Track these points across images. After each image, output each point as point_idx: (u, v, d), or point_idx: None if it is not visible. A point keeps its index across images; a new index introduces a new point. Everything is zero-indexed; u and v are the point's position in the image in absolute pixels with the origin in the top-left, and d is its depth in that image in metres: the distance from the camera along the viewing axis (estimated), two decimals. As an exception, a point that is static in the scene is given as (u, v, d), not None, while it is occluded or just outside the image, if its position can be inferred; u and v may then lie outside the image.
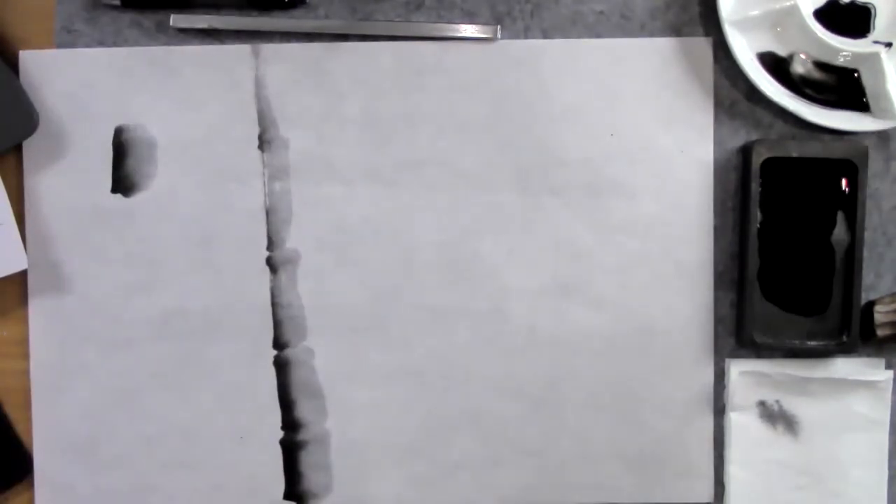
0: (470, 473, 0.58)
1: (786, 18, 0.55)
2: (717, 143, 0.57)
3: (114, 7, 0.57)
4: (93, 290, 0.57)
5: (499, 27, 0.56)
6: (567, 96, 0.57)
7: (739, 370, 0.57)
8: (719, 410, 0.58)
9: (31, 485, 0.57)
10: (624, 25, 0.57)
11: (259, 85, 0.57)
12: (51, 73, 0.57)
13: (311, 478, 0.58)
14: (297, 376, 0.57)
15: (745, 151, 0.56)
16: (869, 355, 0.58)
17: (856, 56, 0.55)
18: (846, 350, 0.56)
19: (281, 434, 0.58)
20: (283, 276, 0.57)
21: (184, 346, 0.57)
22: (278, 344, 0.57)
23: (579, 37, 0.57)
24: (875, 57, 0.55)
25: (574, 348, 0.57)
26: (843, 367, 0.57)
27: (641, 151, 0.57)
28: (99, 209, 0.57)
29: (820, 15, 0.55)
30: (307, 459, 0.58)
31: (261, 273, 0.57)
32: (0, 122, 0.54)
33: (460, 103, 0.57)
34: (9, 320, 0.57)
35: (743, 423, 0.57)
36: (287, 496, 0.58)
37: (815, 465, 0.58)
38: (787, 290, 0.56)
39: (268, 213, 0.57)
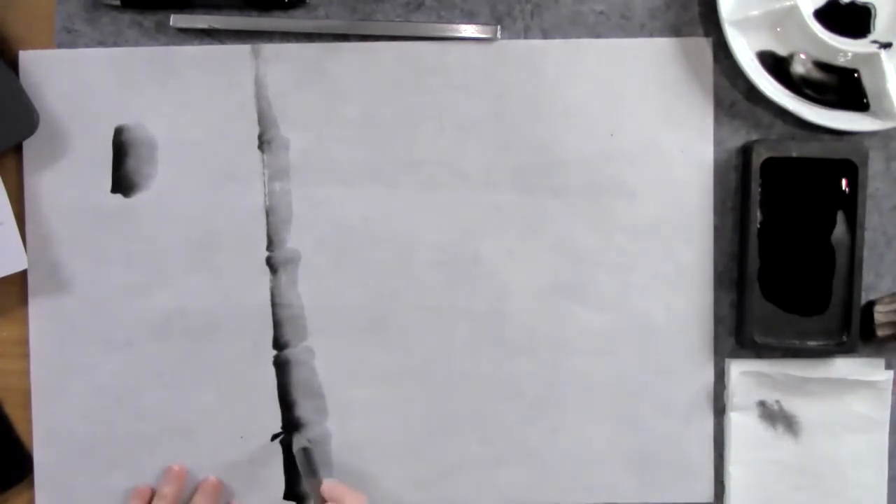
0: (470, 473, 0.58)
1: (786, 18, 0.55)
2: (717, 143, 0.57)
3: (114, 7, 0.57)
4: (93, 290, 0.57)
5: (499, 27, 0.56)
6: (567, 96, 0.57)
7: (739, 370, 0.57)
8: (719, 410, 0.58)
9: (31, 485, 0.57)
10: (624, 25, 0.57)
11: (259, 85, 0.57)
12: (51, 73, 0.57)
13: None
14: (297, 376, 0.57)
15: (745, 151, 0.56)
16: (869, 355, 0.58)
17: (856, 56, 0.55)
18: (846, 350, 0.56)
19: (281, 434, 0.58)
20: (283, 276, 0.57)
21: (184, 346, 0.57)
22: (278, 344, 0.57)
23: (579, 37, 0.57)
24: (875, 57, 0.55)
25: (574, 348, 0.57)
26: (843, 367, 0.57)
27: (641, 151, 0.57)
28: (99, 209, 0.57)
29: (820, 15, 0.55)
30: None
31: (261, 273, 0.57)
32: (0, 122, 0.54)
33: (460, 103, 0.57)
34: (9, 320, 0.57)
35: (743, 423, 0.57)
36: (287, 496, 0.58)
37: (815, 465, 0.58)
38: (787, 290, 0.56)
39: (268, 213, 0.57)
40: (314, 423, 0.58)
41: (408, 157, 0.57)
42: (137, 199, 0.57)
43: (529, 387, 0.57)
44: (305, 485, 0.56)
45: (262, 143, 0.57)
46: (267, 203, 0.57)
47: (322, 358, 0.58)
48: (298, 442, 0.57)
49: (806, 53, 0.56)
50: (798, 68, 0.56)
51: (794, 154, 0.55)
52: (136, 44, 0.57)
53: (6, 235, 0.55)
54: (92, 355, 0.57)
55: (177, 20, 0.56)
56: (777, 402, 0.58)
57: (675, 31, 0.57)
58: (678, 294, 0.57)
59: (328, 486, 0.52)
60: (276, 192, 0.57)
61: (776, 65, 0.56)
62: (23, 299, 0.57)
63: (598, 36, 0.57)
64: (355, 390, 0.58)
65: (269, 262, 0.57)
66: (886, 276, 0.58)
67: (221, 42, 0.57)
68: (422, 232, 0.57)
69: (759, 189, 0.56)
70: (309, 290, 0.57)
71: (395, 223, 0.57)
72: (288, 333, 0.57)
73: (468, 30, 0.56)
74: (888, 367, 0.57)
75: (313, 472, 0.55)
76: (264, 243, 0.57)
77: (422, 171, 0.57)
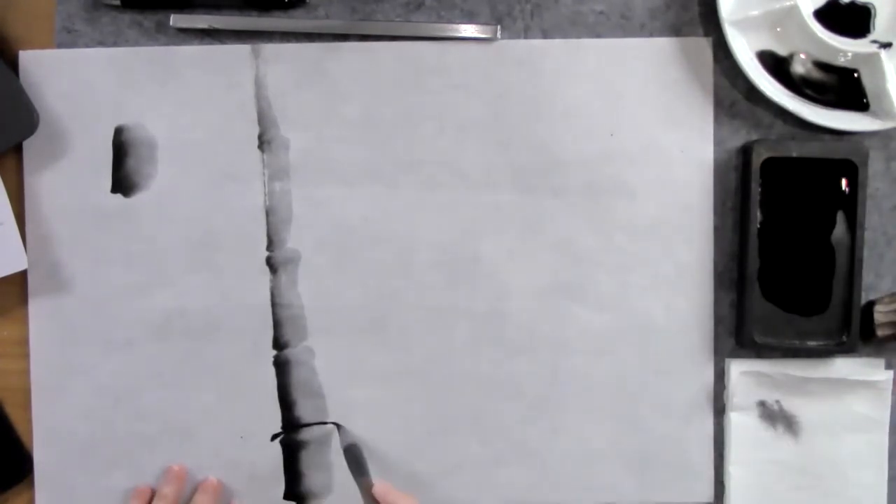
0: (470, 473, 0.58)
1: (786, 18, 0.55)
2: (717, 143, 0.57)
3: (114, 7, 0.57)
4: (93, 290, 0.57)
5: (499, 27, 0.57)
6: (567, 96, 0.57)
7: (739, 370, 0.57)
8: (719, 410, 0.58)
9: (31, 485, 0.57)
10: (624, 25, 0.57)
11: (259, 85, 0.57)
12: (51, 73, 0.57)
13: (311, 478, 0.58)
14: (297, 376, 0.57)
15: (745, 151, 0.56)
16: (869, 355, 0.58)
17: (856, 56, 0.55)
18: (846, 350, 0.56)
19: (281, 434, 0.58)
20: (283, 276, 0.57)
21: (184, 346, 0.57)
22: (278, 344, 0.57)
23: (579, 37, 0.57)
24: (875, 57, 0.55)
25: (574, 348, 0.57)
26: (843, 367, 0.57)
27: (641, 151, 0.57)
28: (99, 209, 0.57)
29: (820, 15, 0.55)
30: (307, 459, 0.58)
31: (261, 273, 0.57)
32: (0, 122, 0.54)
33: (460, 103, 0.57)
34: (9, 320, 0.57)
35: (743, 423, 0.57)
36: (287, 496, 0.58)
37: (815, 465, 0.58)
38: (787, 290, 0.56)
39: (268, 213, 0.57)
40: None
41: (408, 157, 0.57)
42: (137, 199, 0.57)
43: (529, 387, 0.57)
44: (356, 483, 0.56)
45: (262, 143, 0.57)
46: (267, 203, 0.57)
47: (322, 358, 0.58)
48: (344, 439, 0.56)
49: (806, 53, 0.56)
50: (798, 68, 0.56)
51: (794, 154, 0.55)
52: (136, 44, 0.57)
53: (6, 235, 0.55)
54: (92, 355, 0.57)
55: (177, 20, 0.56)
56: (777, 402, 0.58)
57: (675, 31, 0.57)
58: (678, 294, 0.57)
59: (381, 489, 0.52)
60: (276, 192, 0.57)
61: (776, 65, 0.56)
62: (23, 299, 0.57)
63: (598, 36, 0.57)
64: (355, 390, 0.58)
65: (269, 262, 0.57)
66: (886, 276, 0.58)
67: (221, 42, 0.57)
68: (422, 232, 0.57)
69: (759, 189, 0.56)
70: (309, 290, 0.57)
71: (395, 223, 0.57)
72: (288, 333, 0.57)
73: (468, 30, 0.56)
74: (888, 367, 0.57)
75: (361, 471, 0.55)
76: (264, 243, 0.57)
77: (422, 171, 0.57)
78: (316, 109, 0.57)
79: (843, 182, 0.56)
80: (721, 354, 0.58)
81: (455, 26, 0.57)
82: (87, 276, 0.57)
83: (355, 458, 0.55)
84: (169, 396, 0.57)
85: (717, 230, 0.57)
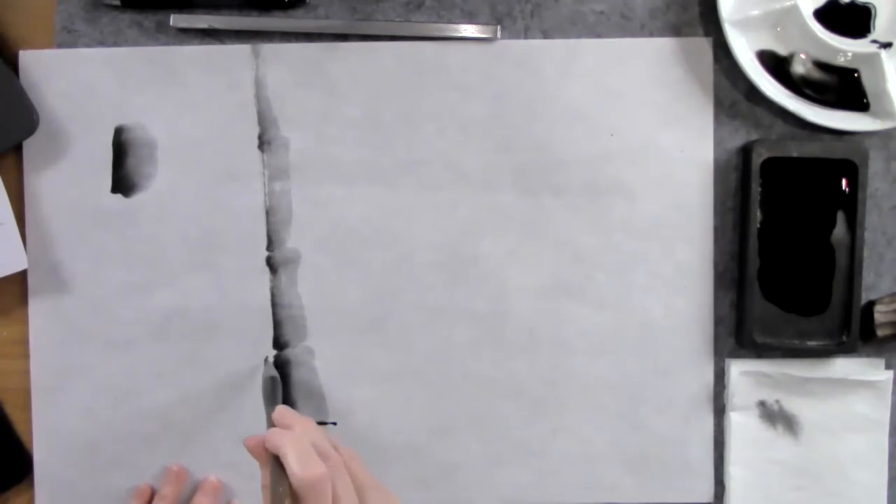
0: (470, 473, 0.58)
1: (786, 18, 0.55)
2: (717, 143, 0.57)
3: (114, 7, 0.57)
4: (93, 290, 0.57)
5: (499, 27, 0.56)
6: (567, 96, 0.57)
7: (739, 370, 0.57)
8: (719, 410, 0.58)
9: (31, 485, 0.57)
10: (624, 25, 0.57)
11: (259, 85, 0.57)
12: (51, 73, 0.57)
13: (311, 478, 0.58)
14: (297, 376, 0.57)
15: (745, 151, 0.56)
16: (869, 355, 0.58)
17: (856, 56, 0.55)
18: (846, 350, 0.56)
19: (281, 434, 0.58)
20: (283, 276, 0.57)
21: (184, 346, 0.57)
22: (278, 344, 0.57)
23: (579, 37, 0.57)
24: (875, 57, 0.55)
25: (574, 348, 0.57)
26: (843, 367, 0.57)
27: (641, 151, 0.57)
28: (99, 209, 0.57)
29: (820, 15, 0.55)
30: (307, 459, 0.58)
31: (261, 273, 0.57)
32: (0, 122, 0.54)
33: (460, 103, 0.57)
34: (9, 320, 0.57)
35: (743, 423, 0.57)
36: (287, 496, 0.58)
37: (815, 465, 0.58)
38: (787, 290, 0.56)
39: (268, 213, 0.57)
40: (314, 423, 0.58)
41: (408, 157, 0.57)
42: (137, 199, 0.57)
43: (529, 387, 0.57)
44: (266, 414, 0.51)
45: (262, 143, 0.57)
46: (267, 203, 0.57)
47: (322, 358, 0.57)
48: (267, 370, 0.55)
49: (806, 53, 0.56)
50: (798, 68, 0.56)
51: (794, 154, 0.55)
52: (136, 44, 0.57)
53: (6, 235, 0.55)
54: (92, 355, 0.57)
55: (177, 20, 0.56)
56: (777, 402, 0.58)
57: (675, 31, 0.57)
58: (678, 294, 0.57)
59: (279, 412, 0.48)
60: (276, 192, 0.57)
61: (776, 65, 0.56)
62: (23, 299, 0.57)
63: (598, 36, 0.57)
64: (355, 390, 0.58)
65: (269, 262, 0.57)
66: (886, 276, 0.58)
67: (221, 42, 0.57)
68: (422, 232, 0.57)
69: (759, 189, 0.56)
70: (309, 290, 0.57)
71: (395, 223, 0.57)
72: (288, 333, 0.57)
73: (468, 30, 0.56)
74: (888, 367, 0.57)
75: (275, 403, 0.52)
76: (264, 243, 0.57)
77: (422, 171, 0.57)
78: (316, 109, 0.57)
79: (843, 182, 0.56)
80: (721, 354, 0.58)
81: (455, 26, 0.57)
82: (87, 276, 0.57)
83: (273, 391, 0.53)
84: (169, 396, 0.57)
85: (717, 230, 0.57)
